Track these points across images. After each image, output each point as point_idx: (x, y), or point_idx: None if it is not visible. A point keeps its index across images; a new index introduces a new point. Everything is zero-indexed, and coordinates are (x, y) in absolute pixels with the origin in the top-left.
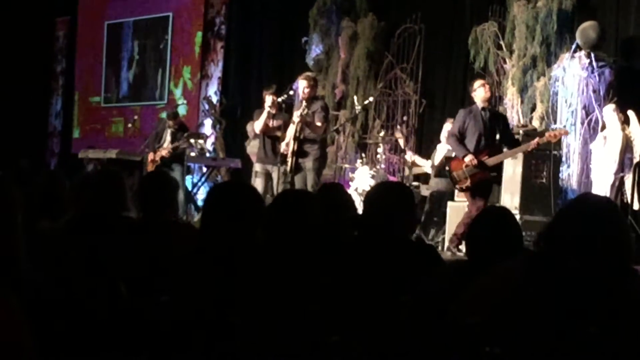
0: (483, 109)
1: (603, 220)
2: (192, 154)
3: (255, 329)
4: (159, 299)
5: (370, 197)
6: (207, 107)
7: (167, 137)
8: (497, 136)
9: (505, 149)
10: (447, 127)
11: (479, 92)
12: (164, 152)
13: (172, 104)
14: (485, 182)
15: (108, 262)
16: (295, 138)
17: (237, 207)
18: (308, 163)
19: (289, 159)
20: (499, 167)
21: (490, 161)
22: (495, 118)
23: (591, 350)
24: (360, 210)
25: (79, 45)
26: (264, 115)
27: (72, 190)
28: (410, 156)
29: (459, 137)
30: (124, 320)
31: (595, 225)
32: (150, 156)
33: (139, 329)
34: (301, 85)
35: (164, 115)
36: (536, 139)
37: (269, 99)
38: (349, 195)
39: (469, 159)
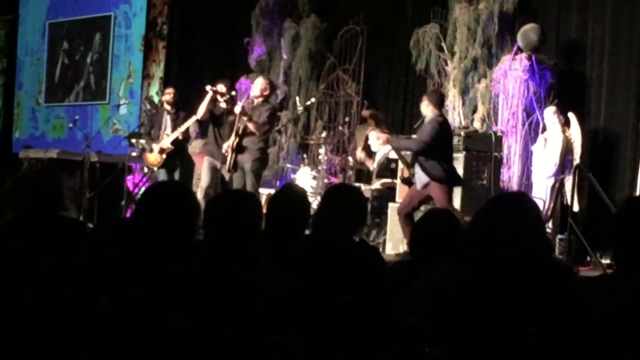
0: None
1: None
2: (134, 153)
3: (195, 329)
4: (99, 299)
5: (324, 199)
6: (148, 107)
7: (168, 123)
8: None
9: None
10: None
11: None
12: (178, 133)
13: (114, 104)
14: None
15: (47, 262)
16: (236, 133)
17: (170, 207)
18: (247, 164)
19: (229, 156)
20: None
21: None
22: None
23: (530, 350)
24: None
25: (20, 44)
26: (206, 99)
27: (10, 190)
28: (359, 152)
29: None
30: (63, 320)
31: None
32: (155, 148)
33: (79, 329)
34: (258, 84)
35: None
36: None
37: (219, 87)
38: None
39: None
